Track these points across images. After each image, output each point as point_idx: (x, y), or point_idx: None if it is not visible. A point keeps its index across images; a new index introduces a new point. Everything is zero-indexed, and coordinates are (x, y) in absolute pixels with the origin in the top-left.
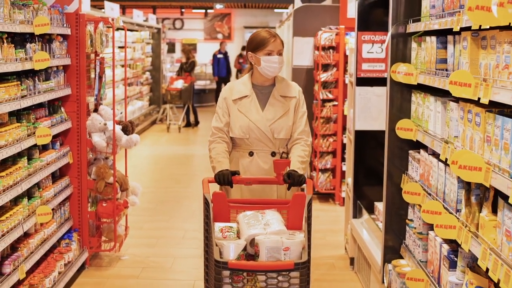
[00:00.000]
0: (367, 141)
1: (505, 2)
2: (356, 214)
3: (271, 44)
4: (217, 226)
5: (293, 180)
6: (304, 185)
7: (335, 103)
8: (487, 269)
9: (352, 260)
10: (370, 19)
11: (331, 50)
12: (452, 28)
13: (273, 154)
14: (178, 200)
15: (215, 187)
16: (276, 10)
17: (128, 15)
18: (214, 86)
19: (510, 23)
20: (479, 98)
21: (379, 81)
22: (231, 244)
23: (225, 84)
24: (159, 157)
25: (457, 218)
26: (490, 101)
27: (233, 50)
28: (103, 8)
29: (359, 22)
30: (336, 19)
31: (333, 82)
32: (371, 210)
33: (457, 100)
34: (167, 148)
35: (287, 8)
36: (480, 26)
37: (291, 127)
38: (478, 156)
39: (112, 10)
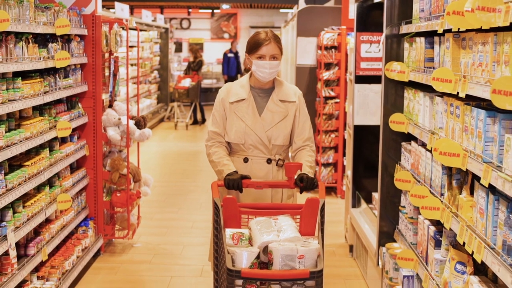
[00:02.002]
0: (366, 136)
1: (474, 8)
2: (355, 204)
3: (263, 48)
4: (228, 232)
5: (306, 183)
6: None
7: (337, 100)
8: (464, 243)
9: (351, 248)
10: (369, 21)
11: (333, 50)
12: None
13: (269, 161)
14: (187, 193)
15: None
16: (281, 10)
17: (136, 15)
18: (220, 84)
19: (481, 26)
20: (458, 93)
21: (377, 79)
22: (244, 251)
23: None
24: (168, 153)
25: (441, 200)
26: (470, 95)
27: (239, 49)
28: (113, 8)
29: (358, 23)
30: (338, 20)
31: (335, 80)
32: (369, 200)
33: (442, 95)
34: (175, 144)
35: (292, 8)
36: (459, 28)
37: (289, 133)
38: (456, 143)
39: (122, 11)
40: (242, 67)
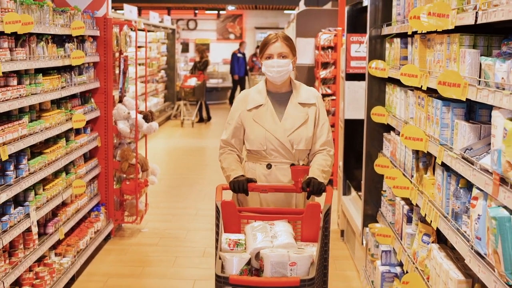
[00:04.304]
0: (356, 129)
1: (426, 14)
2: (346, 192)
3: (270, 46)
4: (224, 237)
5: (313, 188)
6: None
7: (333, 97)
8: (425, 215)
9: (342, 232)
10: (358, 23)
11: (329, 50)
12: (413, 31)
13: (292, 166)
14: (192, 185)
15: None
16: (285, 12)
17: (144, 16)
18: (225, 84)
19: (436, 29)
20: (421, 86)
21: (365, 76)
22: (234, 257)
23: (241, 85)
24: (174, 149)
25: (410, 181)
26: (435, 89)
27: (244, 50)
28: (122, 10)
29: (348, 25)
30: (335, 22)
31: (332, 78)
32: (358, 189)
33: (413, 89)
34: (181, 141)
35: (295, 10)
36: (422, 30)
37: (311, 137)
38: (420, 129)
39: (130, 12)
40: (247, 67)
